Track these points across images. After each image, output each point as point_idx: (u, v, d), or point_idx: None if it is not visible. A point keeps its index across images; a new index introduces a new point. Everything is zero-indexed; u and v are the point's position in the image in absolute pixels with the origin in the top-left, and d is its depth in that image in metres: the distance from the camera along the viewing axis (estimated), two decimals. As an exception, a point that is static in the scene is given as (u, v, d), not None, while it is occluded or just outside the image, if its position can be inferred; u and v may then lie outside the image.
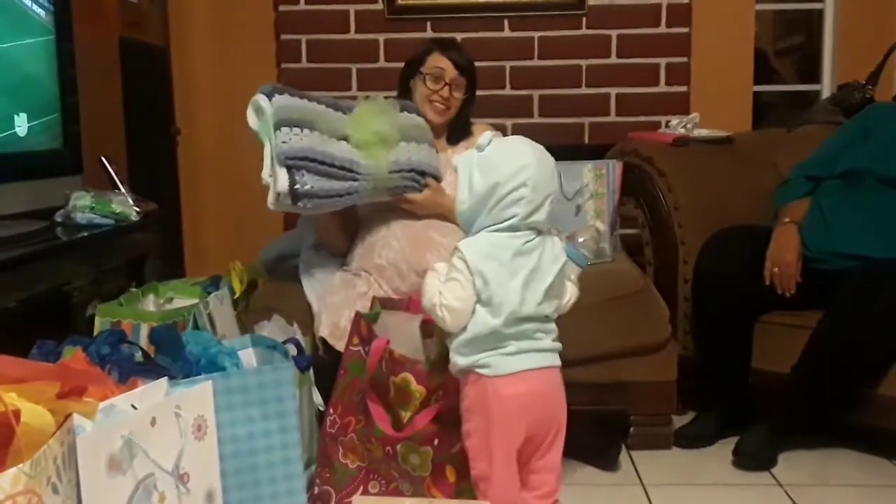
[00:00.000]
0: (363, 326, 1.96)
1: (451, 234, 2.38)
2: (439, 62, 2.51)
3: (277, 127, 2.18)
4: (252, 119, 2.24)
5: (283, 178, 2.16)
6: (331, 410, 1.99)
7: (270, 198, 2.21)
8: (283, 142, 2.16)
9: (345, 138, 2.28)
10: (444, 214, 2.39)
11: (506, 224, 1.72)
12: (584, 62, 3.52)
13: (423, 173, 2.38)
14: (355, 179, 2.25)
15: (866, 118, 2.76)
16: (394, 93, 2.60)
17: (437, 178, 2.42)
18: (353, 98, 2.43)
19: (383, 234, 2.38)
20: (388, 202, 2.40)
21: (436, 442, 1.91)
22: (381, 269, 2.33)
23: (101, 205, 2.57)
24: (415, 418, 1.90)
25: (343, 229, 2.46)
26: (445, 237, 2.36)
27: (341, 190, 2.24)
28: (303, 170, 2.18)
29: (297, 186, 2.17)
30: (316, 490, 1.99)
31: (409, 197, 2.37)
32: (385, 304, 2.17)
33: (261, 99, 2.21)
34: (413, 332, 2.01)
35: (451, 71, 2.50)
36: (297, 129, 2.19)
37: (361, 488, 1.98)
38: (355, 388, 1.97)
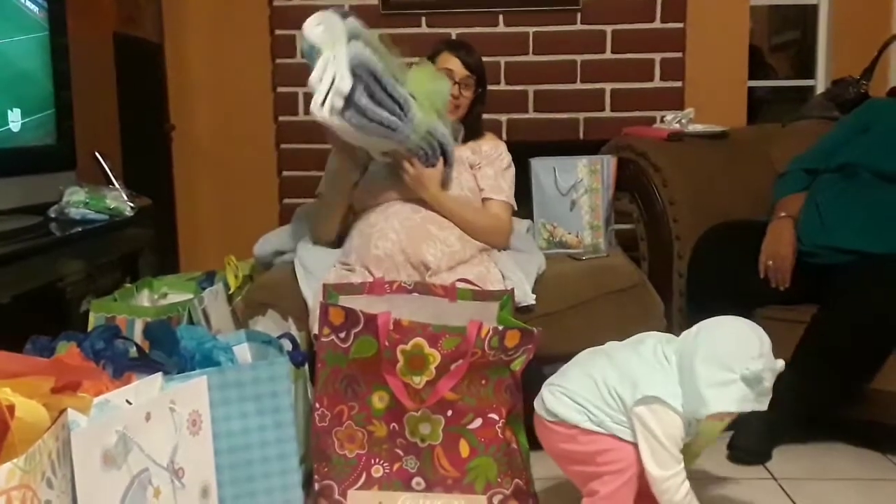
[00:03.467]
0: (333, 314, 1.95)
1: (448, 228, 2.40)
2: (449, 62, 2.58)
3: (353, 37, 2.17)
4: (315, 31, 2.19)
5: (348, 79, 2.14)
6: (317, 405, 1.99)
7: (317, 100, 2.16)
8: (359, 51, 2.16)
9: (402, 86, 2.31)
10: (424, 198, 2.43)
11: None
12: (578, 57, 3.52)
13: (444, 151, 2.42)
14: (401, 119, 2.25)
15: (865, 112, 2.76)
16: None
17: (448, 160, 2.46)
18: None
19: (381, 226, 2.38)
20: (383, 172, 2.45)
21: (449, 413, 1.92)
22: (377, 259, 2.34)
23: (96, 200, 2.57)
24: (438, 385, 1.90)
25: (344, 216, 2.52)
26: (443, 230, 2.38)
27: (385, 120, 2.22)
28: (363, 84, 2.17)
29: (355, 96, 2.15)
30: (316, 486, 1.99)
31: (407, 165, 2.39)
32: (339, 289, 2.17)
33: (332, 15, 2.21)
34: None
35: (460, 70, 2.57)
36: (370, 50, 2.20)
37: (364, 475, 1.98)
38: (337, 377, 1.97)
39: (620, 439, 1.80)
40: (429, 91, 2.35)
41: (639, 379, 1.79)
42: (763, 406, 1.78)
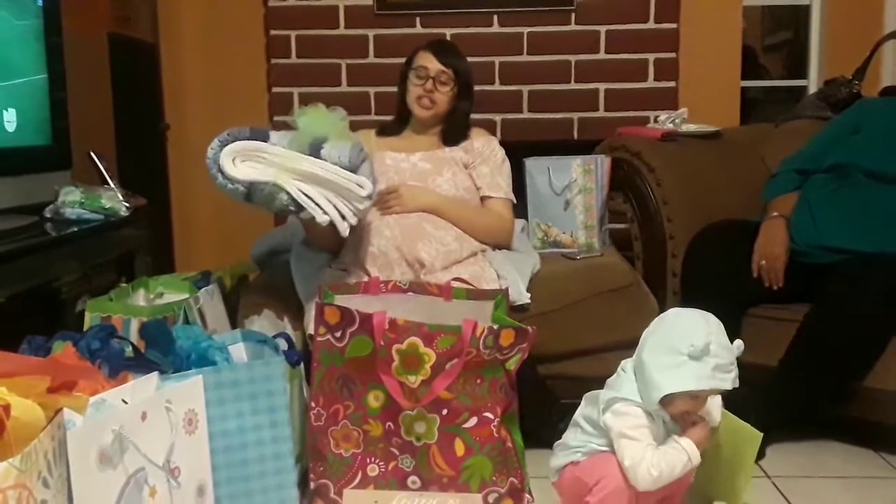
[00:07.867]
0: (328, 314, 1.95)
1: (444, 227, 2.40)
2: (424, 59, 2.58)
3: (316, 147, 2.08)
4: (249, 172, 2.08)
5: (368, 184, 2.09)
6: (312, 405, 1.99)
7: (350, 220, 2.07)
8: (340, 156, 2.07)
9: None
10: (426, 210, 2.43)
11: None
12: (572, 58, 3.52)
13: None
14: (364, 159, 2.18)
15: (856, 113, 2.77)
16: (381, 88, 2.65)
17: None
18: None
19: (376, 224, 2.39)
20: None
21: (444, 412, 1.93)
22: (373, 257, 2.35)
23: (91, 200, 2.56)
24: (433, 384, 1.90)
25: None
26: (439, 230, 2.39)
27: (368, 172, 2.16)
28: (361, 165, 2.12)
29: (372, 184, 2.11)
30: (312, 486, 1.99)
31: (389, 198, 2.40)
32: (335, 289, 2.17)
33: (260, 146, 2.09)
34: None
35: (434, 66, 2.56)
36: (326, 145, 2.10)
37: (360, 474, 1.98)
38: (332, 376, 1.97)
39: (601, 451, 1.82)
40: (335, 122, 2.22)
41: (602, 395, 1.82)
42: (727, 385, 1.71)
